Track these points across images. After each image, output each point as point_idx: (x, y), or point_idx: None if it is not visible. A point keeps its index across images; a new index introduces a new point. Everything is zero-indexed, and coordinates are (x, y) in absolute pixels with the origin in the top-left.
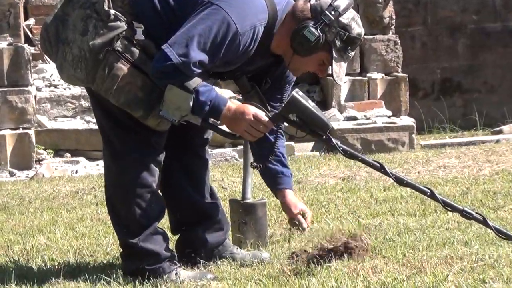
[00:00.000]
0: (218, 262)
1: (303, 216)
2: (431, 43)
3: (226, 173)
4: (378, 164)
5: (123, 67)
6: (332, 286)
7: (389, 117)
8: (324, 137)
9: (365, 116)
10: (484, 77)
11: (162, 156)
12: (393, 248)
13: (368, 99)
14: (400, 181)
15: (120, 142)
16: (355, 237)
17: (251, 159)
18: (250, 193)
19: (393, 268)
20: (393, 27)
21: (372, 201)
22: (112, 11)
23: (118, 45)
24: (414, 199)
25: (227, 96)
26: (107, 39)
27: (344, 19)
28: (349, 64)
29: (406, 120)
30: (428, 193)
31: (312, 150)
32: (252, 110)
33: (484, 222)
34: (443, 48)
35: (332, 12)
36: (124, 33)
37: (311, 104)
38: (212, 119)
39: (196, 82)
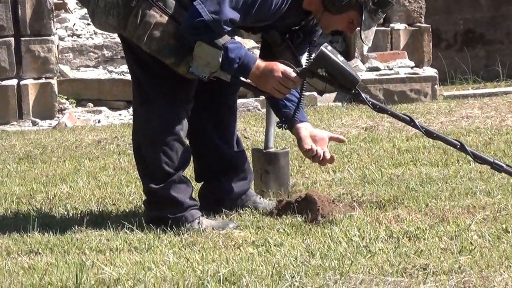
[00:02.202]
0: (241, 211)
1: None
2: None
3: (249, 123)
4: (408, 118)
5: (155, 15)
6: (355, 235)
7: (411, 68)
8: (353, 91)
9: (387, 67)
10: (507, 28)
11: (190, 105)
12: (416, 198)
13: (391, 49)
14: (430, 134)
15: (150, 88)
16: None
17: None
18: (273, 142)
19: (416, 218)
20: None
21: (394, 151)
22: None
23: None
24: (437, 149)
25: (250, 46)
26: None
27: None
28: None
29: (428, 71)
30: (458, 146)
31: (334, 101)
32: (281, 67)
33: None
34: None
35: None
36: None
37: (340, 59)
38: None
39: (225, 39)
